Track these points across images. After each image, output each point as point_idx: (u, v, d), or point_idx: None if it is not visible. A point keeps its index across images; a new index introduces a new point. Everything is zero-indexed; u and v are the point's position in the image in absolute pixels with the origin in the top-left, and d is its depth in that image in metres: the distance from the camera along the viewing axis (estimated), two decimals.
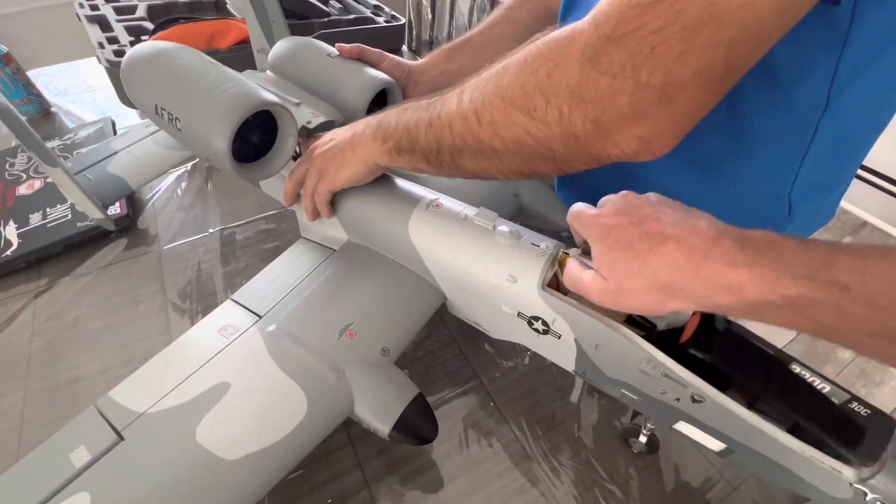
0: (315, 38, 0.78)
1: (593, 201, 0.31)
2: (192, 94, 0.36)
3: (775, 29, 0.23)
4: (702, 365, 0.27)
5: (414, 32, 1.06)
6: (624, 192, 0.27)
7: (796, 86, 0.32)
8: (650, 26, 0.23)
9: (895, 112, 0.36)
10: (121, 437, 0.29)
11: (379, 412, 0.32)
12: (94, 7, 0.78)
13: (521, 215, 0.49)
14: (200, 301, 0.50)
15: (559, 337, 0.33)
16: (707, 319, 0.28)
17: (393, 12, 0.95)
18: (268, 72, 0.54)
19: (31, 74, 0.77)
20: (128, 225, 0.57)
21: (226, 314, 0.37)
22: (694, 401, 0.27)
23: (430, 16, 1.02)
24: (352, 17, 0.90)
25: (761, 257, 0.21)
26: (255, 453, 0.29)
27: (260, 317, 0.36)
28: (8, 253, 0.51)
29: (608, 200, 0.27)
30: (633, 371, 0.29)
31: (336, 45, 0.51)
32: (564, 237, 0.37)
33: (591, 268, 0.27)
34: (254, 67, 0.65)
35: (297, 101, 0.46)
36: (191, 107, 0.36)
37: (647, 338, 0.28)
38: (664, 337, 0.29)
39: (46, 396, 0.42)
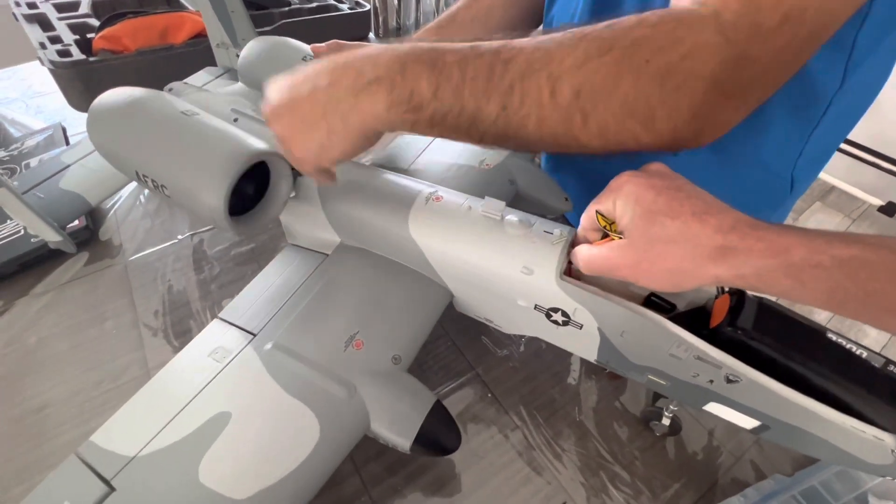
0: (277, 28, 0.75)
1: (587, 179, 0.30)
2: (176, 158, 0.32)
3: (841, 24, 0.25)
4: (733, 345, 0.26)
5: (380, 19, 1.03)
6: (655, 163, 0.27)
7: (815, 62, 0.32)
8: (773, 46, 0.23)
9: (883, 86, 0.36)
10: (111, 488, 0.26)
11: (397, 426, 0.30)
12: (31, 5, 0.72)
13: (517, 202, 0.47)
14: (174, 313, 0.47)
15: (581, 327, 0.31)
16: (737, 301, 0.28)
17: None
18: (238, 84, 0.49)
19: None
20: (88, 237, 0.53)
21: (215, 335, 0.34)
22: (729, 381, 0.27)
23: (395, 1, 0.98)
24: (314, 5, 0.86)
25: (808, 230, 0.22)
26: (270, 487, 0.26)
27: (254, 335, 0.33)
28: None
29: (641, 170, 0.27)
30: (662, 356, 0.28)
31: (311, 46, 0.47)
32: (561, 222, 0.35)
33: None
34: (213, 62, 0.62)
35: None
36: (177, 173, 0.32)
37: (673, 321, 0.27)
38: (689, 319, 0.28)
39: (11, 428, 0.39)
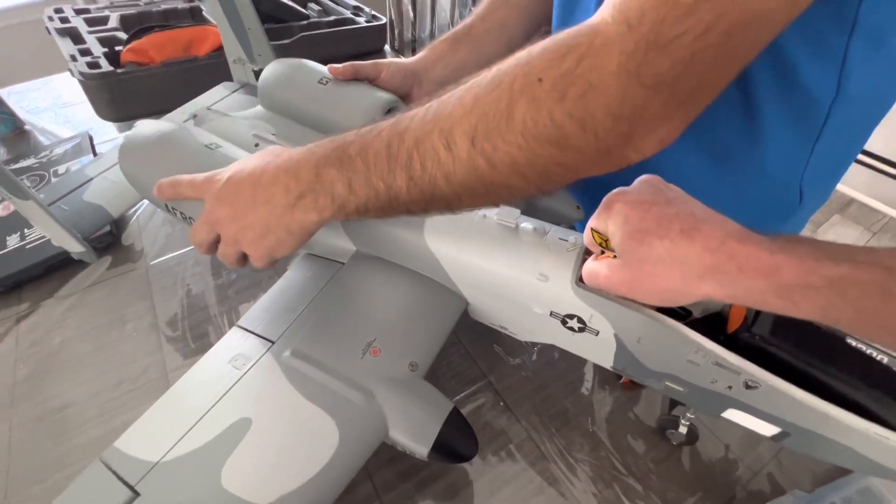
0: (296, 40, 0.77)
1: (595, 187, 0.30)
2: None
3: (787, 22, 0.22)
4: (751, 350, 0.26)
5: (396, 31, 1.05)
6: (647, 175, 0.26)
7: (806, 70, 0.32)
8: (694, 31, 0.21)
9: (895, 99, 0.36)
10: (136, 493, 0.26)
11: (415, 433, 0.30)
12: (64, 20, 0.76)
13: (528, 210, 0.47)
14: (192, 317, 0.48)
15: (597, 334, 0.31)
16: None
17: (373, 12, 0.93)
18: (258, 106, 0.50)
19: (2, 93, 0.74)
20: (111, 242, 0.54)
21: (234, 343, 0.34)
22: (748, 387, 0.26)
23: (411, 14, 1.00)
24: (331, 18, 0.88)
25: (798, 245, 0.21)
26: (291, 493, 0.26)
27: (272, 342, 0.34)
28: None
29: (632, 186, 0.26)
30: (680, 362, 0.28)
31: (328, 66, 0.48)
32: (577, 229, 0.35)
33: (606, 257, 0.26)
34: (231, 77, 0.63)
35: None
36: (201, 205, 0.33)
37: (689, 326, 0.27)
38: (706, 325, 0.28)
39: (34, 426, 0.40)
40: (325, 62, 0.50)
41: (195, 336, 0.46)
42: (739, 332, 0.27)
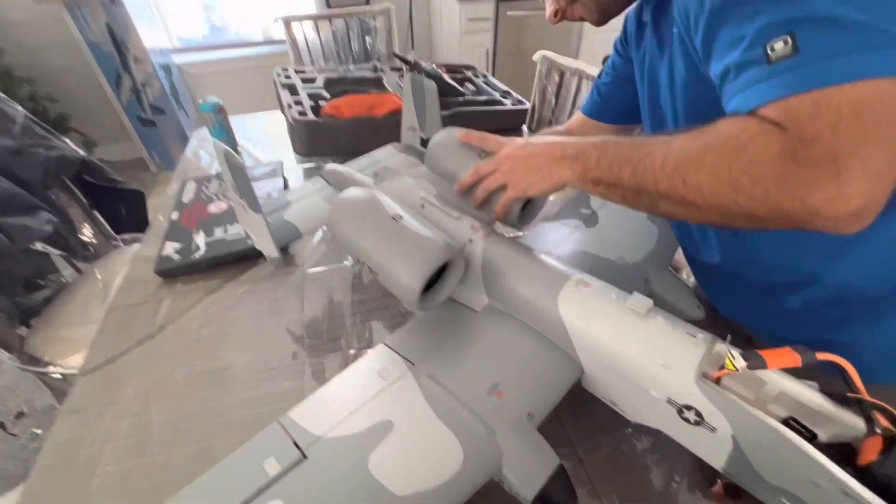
0: (453, 113, 0.90)
1: (723, 285, 0.32)
2: (388, 256, 0.41)
3: None
4: (882, 489, 0.25)
5: (536, 115, 1.16)
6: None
7: None
8: (822, 125, 0.28)
9: None
10: (304, 455, 0.32)
11: (525, 476, 0.33)
12: (287, 76, 0.99)
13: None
14: (330, 322, 0.57)
15: (713, 431, 0.31)
16: (890, 444, 0.26)
17: (519, 97, 1.06)
18: (422, 167, 0.57)
19: (231, 120, 0.98)
20: (282, 249, 0.68)
21: (382, 358, 0.40)
22: None
23: (553, 101, 1.11)
24: (483, 98, 1.02)
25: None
26: (423, 493, 0.30)
27: (413, 364, 0.39)
28: (196, 255, 0.64)
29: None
30: (801, 481, 0.27)
31: (464, 132, 0.53)
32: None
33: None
34: (399, 131, 0.76)
35: (457, 215, 0.48)
36: (387, 265, 0.41)
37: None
38: (833, 453, 0.27)
39: (204, 376, 0.51)
40: None
41: (330, 338, 0.55)
42: (872, 467, 0.26)
